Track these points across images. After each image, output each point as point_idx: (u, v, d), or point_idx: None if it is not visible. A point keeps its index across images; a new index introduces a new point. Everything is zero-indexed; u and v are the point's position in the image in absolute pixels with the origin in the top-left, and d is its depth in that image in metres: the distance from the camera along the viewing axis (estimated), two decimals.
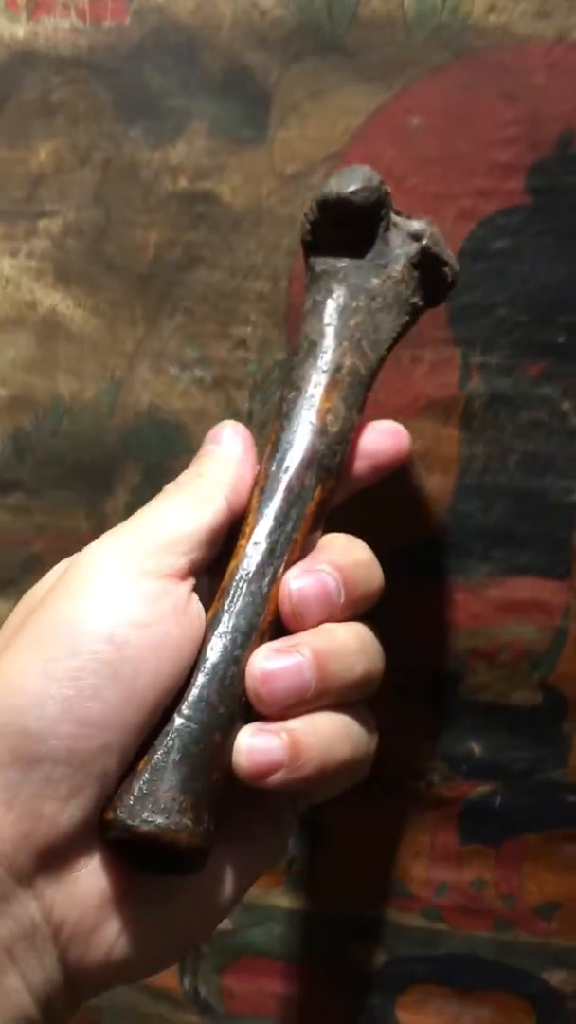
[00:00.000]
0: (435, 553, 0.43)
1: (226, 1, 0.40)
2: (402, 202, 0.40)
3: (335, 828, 0.45)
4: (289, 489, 0.30)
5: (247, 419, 0.43)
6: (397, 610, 0.43)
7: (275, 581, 0.29)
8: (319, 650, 0.28)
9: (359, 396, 0.32)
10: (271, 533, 0.29)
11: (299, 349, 0.32)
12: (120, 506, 0.44)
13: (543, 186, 0.39)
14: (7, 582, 0.45)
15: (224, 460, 0.31)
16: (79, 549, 0.45)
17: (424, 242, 0.33)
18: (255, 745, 0.27)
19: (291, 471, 0.30)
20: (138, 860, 0.27)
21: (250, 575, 0.28)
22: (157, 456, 0.43)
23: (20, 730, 0.25)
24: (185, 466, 0.43)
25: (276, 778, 0.27)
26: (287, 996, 0.47)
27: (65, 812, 0.26)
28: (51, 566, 0.45)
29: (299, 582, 0.28)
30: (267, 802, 0.30)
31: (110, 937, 0.27)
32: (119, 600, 0.27)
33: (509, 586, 0.42)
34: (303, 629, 0.29)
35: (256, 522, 0.29)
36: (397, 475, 0.42)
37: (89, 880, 0.27)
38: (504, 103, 0.39)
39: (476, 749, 0.44)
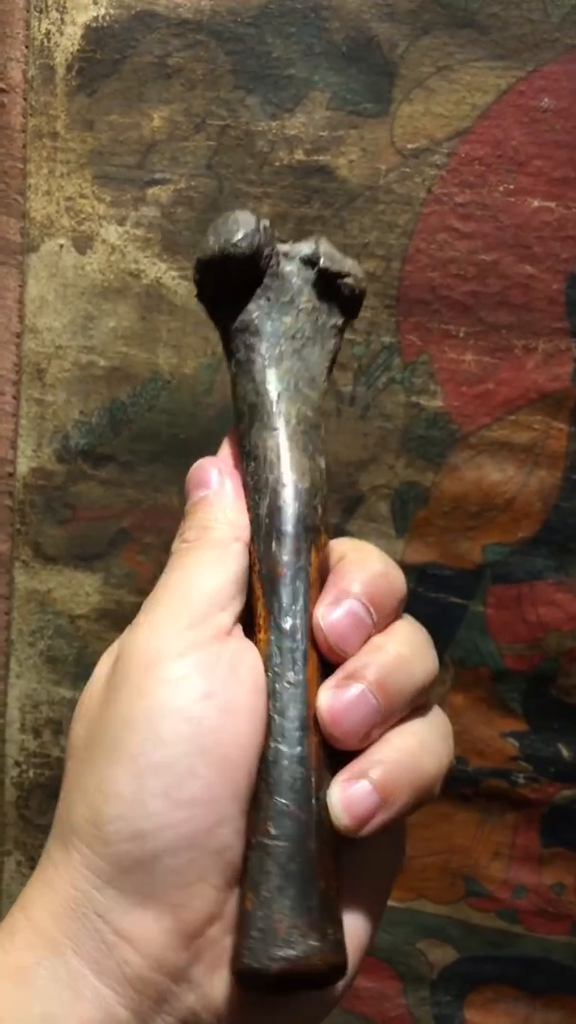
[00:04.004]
0: (535, 550, 0.42)
1: None
2: (526, 185, 0.39)
3: (412, 822, 0.45)
4: (286, 565, 0.29)
5: (349, 403, 0.42)
6: (493, 606, 0.42)
7: (306, 662, 0.28)
8: (375, 669, 0.27)
9: (316, 438, 0.30)
10: (284, 617, 0.28)
11: (241, 415, 0.31)
12: None
13: None
14: (95, 556, 0.45)
15: (221, 504, 0.30)
16: (169, 526, 0.45)
17: (320, 264, 0.31)
18: (347, 799, 0.26)
19: (281, 546, 0.29)
20: (280, 987, 0.27)
21: (281, 667, 0.28)
22: None
23: (132, 834, 0.26)
24: None
25: (378, 820, 0.26)
26: (355, 988, 0.47)
27: (199, 895, 0.26)
28: (140, 542, 0.45)
29: (329, 618, 0.28)
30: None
31: (272, 1012, 0.27)
32: (180, 678, 0.27)
33: None
34: (345, 660, 0.28)
35: (267, 612, 0.29)
36: (501, 468, 0.41)
37: None
38: None
39: (564, 751, 0.43)
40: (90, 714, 0.28)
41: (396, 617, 0.29)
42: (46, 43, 0.41)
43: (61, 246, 0.42)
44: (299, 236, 0.41)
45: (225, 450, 0.32)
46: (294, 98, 0.40)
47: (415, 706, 0.28)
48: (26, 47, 0.41)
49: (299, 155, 0.40)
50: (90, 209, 0.42)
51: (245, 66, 0.40)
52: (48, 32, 0.41)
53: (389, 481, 0.42)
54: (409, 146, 0.39)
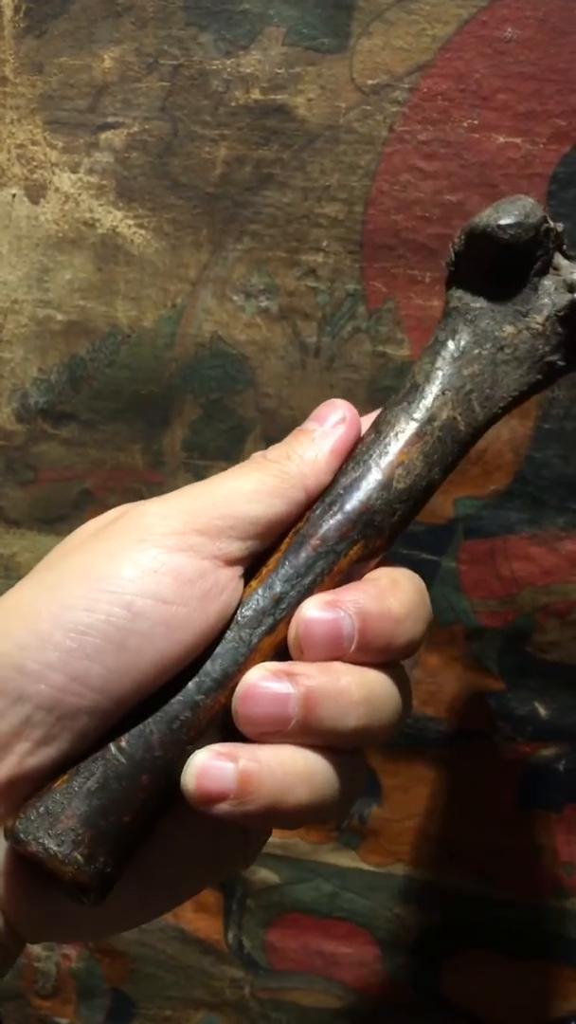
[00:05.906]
0: (508, 503, 0.40)
1: None
2: (491, 120, 0.37)
3: (388, 785, 0.44)
4: (323, 539, 0.27)
5: (314, 354, 0.40)
6: (465, 562, 0.41)
7: (270, 632, 0.27)
8: (314, 688, 0.26)
9: (448, 454, 0.28)
10: (284, 582, 0.27)
11: (403, 387, 0.29)
12: (178, 442, 0.42)
13: None
14: (58, 519, 0.44)
15: (318, 445, 0.29)
16: (133, 486, 0.43)
17: None
18: (207, 768, 0.25)
19: (333, 521, 0.27)
20: (41, 871, 0.26)
21: (245, 620, 0.27)
22: (218, 390, 0.41)
23: (16, 664, 0.25)
24: (246, 401, 0.41)
25: (221, 808, 0.25)
26: (332, 954, 0.46)
27: (33, 756, 0.26)
28: (104, 503, 0.44)
29: (313, 614, 0.27)
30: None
31: (49, 896, 0.27)
32: (152, 570, 0.26)
33: None
34: (303, 660, 0.27)
35: (276, 566, 0.27)
36: None
37: None
38: None
39: (541, 710, 0.42)
40: (73, 542, 0.28)
41: (385, 662, 0.28)
42: None
43: (14, 196, 0.41)
44: (259, 181, 0.39)
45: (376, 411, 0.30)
46: (249, 34, 0.38)
47: (336, 746, 0.27)
48: None
49: (255, 94, 0.38)
50: (42, 156, 0.40)
51: (197, 2, 0.38)
52: None
53: None
54: (369, 82, 0.38)
